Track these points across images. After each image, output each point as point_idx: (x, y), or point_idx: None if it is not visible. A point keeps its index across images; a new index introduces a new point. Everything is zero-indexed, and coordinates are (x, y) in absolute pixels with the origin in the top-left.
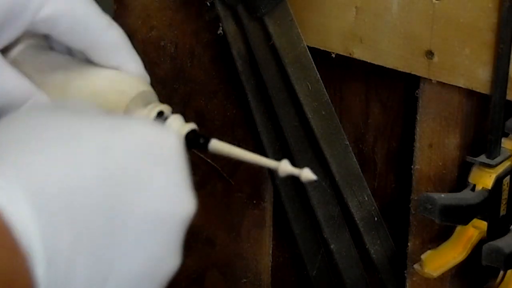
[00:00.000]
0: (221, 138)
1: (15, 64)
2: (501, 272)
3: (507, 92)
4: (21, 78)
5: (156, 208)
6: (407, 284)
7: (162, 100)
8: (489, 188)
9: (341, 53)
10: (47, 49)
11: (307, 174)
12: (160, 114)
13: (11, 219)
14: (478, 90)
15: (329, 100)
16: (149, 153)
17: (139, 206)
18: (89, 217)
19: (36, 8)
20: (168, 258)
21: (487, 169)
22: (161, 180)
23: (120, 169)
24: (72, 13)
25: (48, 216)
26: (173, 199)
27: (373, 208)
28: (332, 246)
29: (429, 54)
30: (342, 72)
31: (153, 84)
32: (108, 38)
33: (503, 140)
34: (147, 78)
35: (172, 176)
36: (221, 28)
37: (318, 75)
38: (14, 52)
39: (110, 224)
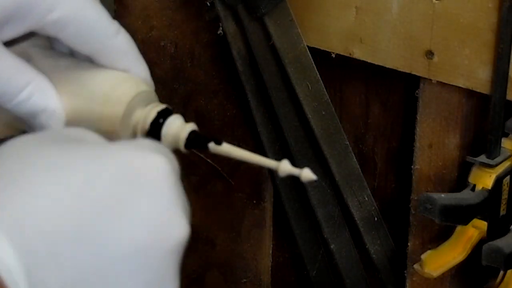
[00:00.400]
0: (221, 138)
1: (24, 55)
2: (501, 272)
3: (507, 92)
4: (21, 63)
5: (145, 236)
6: (407, 284)
7: (162, 100)
8: (489, 188)
9: (341, 53)
10: (48, 48)
11: (307, 174)
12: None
13: None
14: (478, 90)
15: (329, 100)
16: (134, 180)
17: (126, 235)
18: (74, 253)
19: (45, 12)
20: (164, 284)
21: (487, 169)
22: (148, 208)
23: (104, 200)
24: (81, 19)
25: (32, 256)
26: (163, 225)
27: (373, 208)
28: (332, 246)
29: (429, 54)
30: (342, 72)
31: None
32: (116, 44)
33: (503, 140)
34: (152, 83)
35: (160, 202)
36: (221, 28)
37: (318, 75)
38: (23, 45)
39: (97, 258)
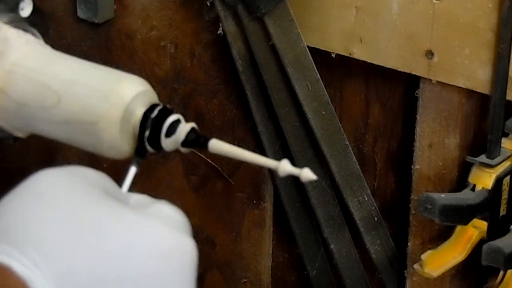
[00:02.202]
0: (221, 138)
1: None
2: (501, 272)
3: (507, 92)
4: None
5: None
6: (407, 284)
7: (162, 100)
8: (489, 188)
9: (341, 53)
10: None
11: (307, 174)
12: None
13: None
14: (478, 90)
15: (329, 100)
16: (167, 258)
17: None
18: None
19: None
20: None
21: (487, 169)
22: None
23: (138, 271)
24: None
25: None
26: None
27: (373, 208)
28: (332, 246)
29: (429, 54)
30: (342, 72)
31: (153, 84)
32: None
33: (503, 140)
34: None
35: (185, 283)
36: (221, 28)
37: (318, 75)
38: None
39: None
